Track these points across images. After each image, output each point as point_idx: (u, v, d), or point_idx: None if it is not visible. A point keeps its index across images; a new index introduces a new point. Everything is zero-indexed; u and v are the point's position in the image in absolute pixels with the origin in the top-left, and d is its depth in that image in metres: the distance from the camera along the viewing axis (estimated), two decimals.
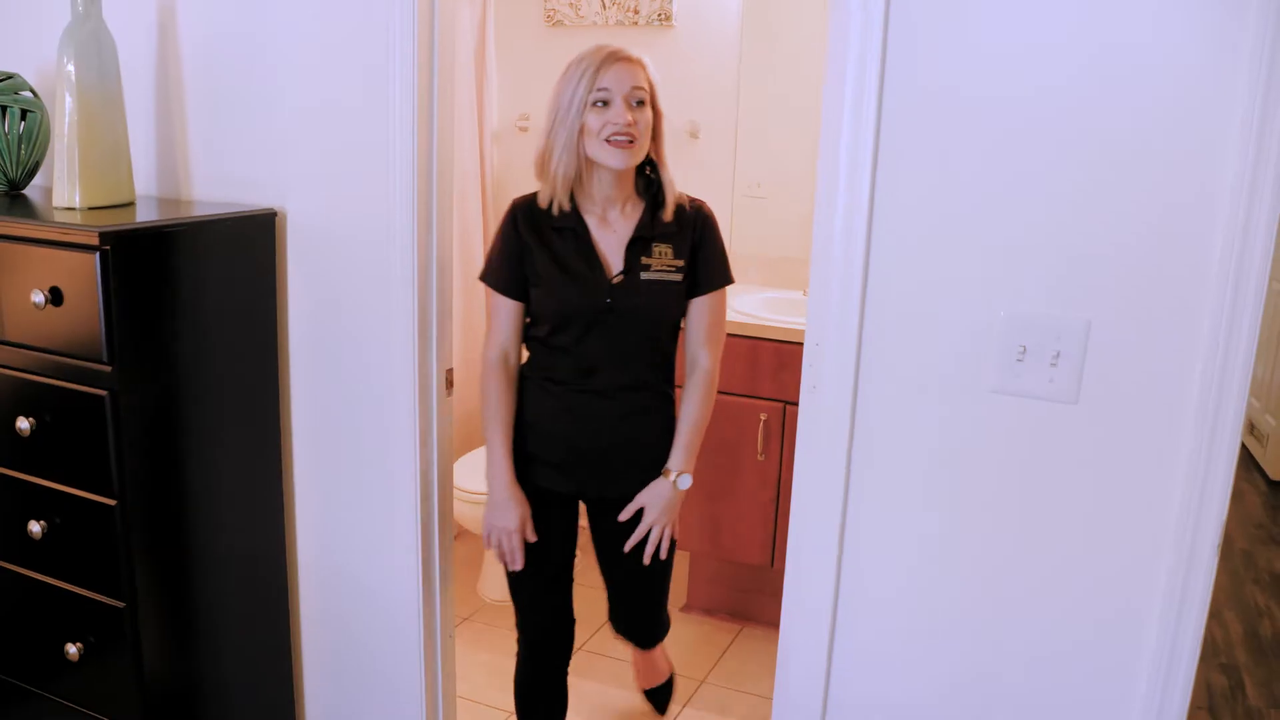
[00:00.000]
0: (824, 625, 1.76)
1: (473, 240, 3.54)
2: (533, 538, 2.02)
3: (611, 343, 1.95)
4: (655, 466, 2.02)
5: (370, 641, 2.24)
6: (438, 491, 2.13)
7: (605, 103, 1.85)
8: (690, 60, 3.33)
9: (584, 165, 1.90)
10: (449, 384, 2.11)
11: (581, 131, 1.86)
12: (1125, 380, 1.51)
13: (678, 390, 2.06)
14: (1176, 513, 1.51)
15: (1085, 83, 1.46)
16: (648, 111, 1.89)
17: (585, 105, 1.85)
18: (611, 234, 1.96)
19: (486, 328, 2.04)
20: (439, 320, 2.05)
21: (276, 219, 2.10)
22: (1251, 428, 5.07)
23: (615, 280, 1.94)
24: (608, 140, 1.85)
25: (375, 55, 1.94)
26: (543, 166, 1.93)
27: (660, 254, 1.95)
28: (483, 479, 2.09)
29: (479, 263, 3.36)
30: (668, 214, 1.96)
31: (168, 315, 1.94)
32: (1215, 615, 3.49)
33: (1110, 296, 1.50)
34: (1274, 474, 4.71)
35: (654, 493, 2.00)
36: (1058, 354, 1.53)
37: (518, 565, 2.01)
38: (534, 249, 1.94)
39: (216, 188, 2.17)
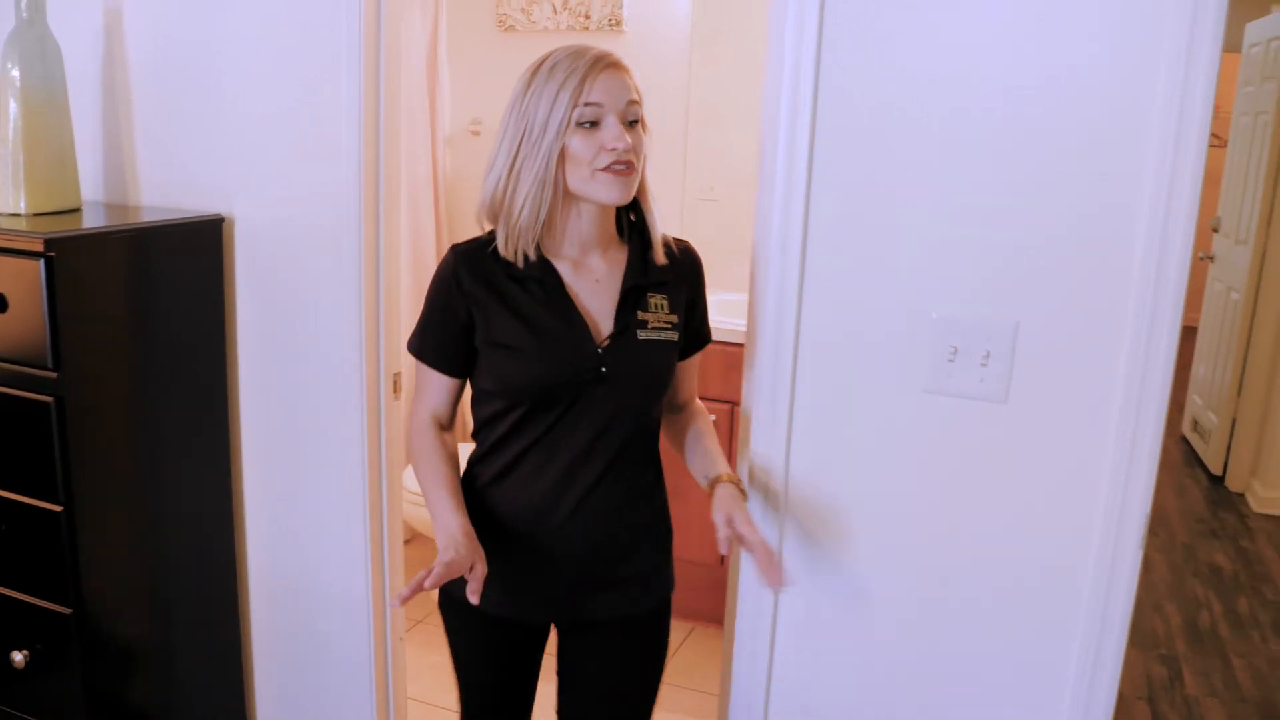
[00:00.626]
0: (765, 619, 1.80)
1: (425, 243, 3.55)
2: (476, 583, 1.46)
3: (599, 420, 1.54)
4: (654, 571, 1.68)
5: (321, 644, 2.25)
6: (387, 495, 2.15)
7: (594, 122, 1.46)
8: (641, 64, 3.29)
9: (559, 201, 1.50)
10: (396, 388, 2.12)
11: (561, 158, 1.46)
12: (1053, 379, 1.56)
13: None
14: (1103, 507, 1.56)
15: (1015, 96, 1.51)
16: (639, 131, 1.52)
17: (568, 125, 1.44)
18: (593, 283, 1.56)
19: (414, 394, 1.66)
20: (386, 324, 2.06)
21: (224, 224, 2.11)
22: (1195, 424, 5.19)
23: (605, 342, 1.54)
24: (605, 169, 1.46)
25: (323, 60, 1.95)
26: (500, 208, 1.51)
27: (657, 307, 1.57)
28: None
29: (431, 265, 3.38)
30: (659, 256, 1.58)
31: (114, 321, 1.94)
32: (1156, 608, 3.58)
33: (1037, 298, 1.55)
34: (1215, 469, 4.82)
35: (729, 500, 1.55)
36: (988, 354, 1.58)
37: (428, 586, 1.44)
38: (487, 307, 1.52)
39: (164, 193, 2.17)
